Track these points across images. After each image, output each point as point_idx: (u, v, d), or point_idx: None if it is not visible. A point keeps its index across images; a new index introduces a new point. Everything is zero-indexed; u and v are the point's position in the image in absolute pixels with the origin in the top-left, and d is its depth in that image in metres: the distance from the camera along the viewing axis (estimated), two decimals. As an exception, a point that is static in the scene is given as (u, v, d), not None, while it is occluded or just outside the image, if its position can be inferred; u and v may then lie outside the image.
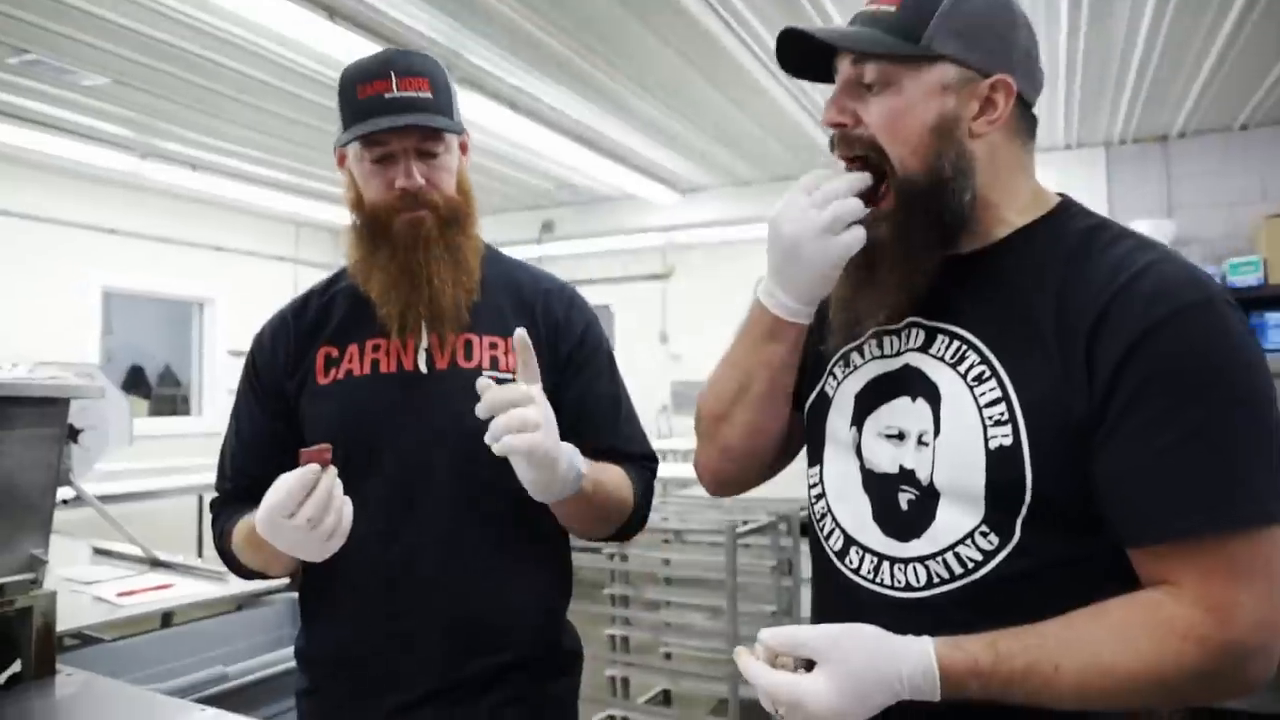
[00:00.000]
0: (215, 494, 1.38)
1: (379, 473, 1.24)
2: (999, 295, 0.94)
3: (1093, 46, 3.86)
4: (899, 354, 0.99)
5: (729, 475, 1.19)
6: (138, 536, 2.40)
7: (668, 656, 3.76)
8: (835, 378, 1.06)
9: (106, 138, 5.17)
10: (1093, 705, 0.81)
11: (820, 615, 1.05)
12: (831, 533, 1.02)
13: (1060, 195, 1.02)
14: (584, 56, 4.02)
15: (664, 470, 5.50)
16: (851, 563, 0.98)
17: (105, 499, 2.90)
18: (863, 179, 0.95)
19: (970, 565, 0.89)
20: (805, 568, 3.52)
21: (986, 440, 0.88)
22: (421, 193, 1.25)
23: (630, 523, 1.32)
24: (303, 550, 1.08)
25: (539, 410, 1.05)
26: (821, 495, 1.04)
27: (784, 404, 1.09)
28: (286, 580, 2.04)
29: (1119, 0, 3.41)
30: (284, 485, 1.04)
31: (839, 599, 0.99)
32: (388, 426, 1.26)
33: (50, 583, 1.46)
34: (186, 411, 7.24)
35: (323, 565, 1.25)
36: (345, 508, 1.07)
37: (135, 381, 7.18)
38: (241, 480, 1.33)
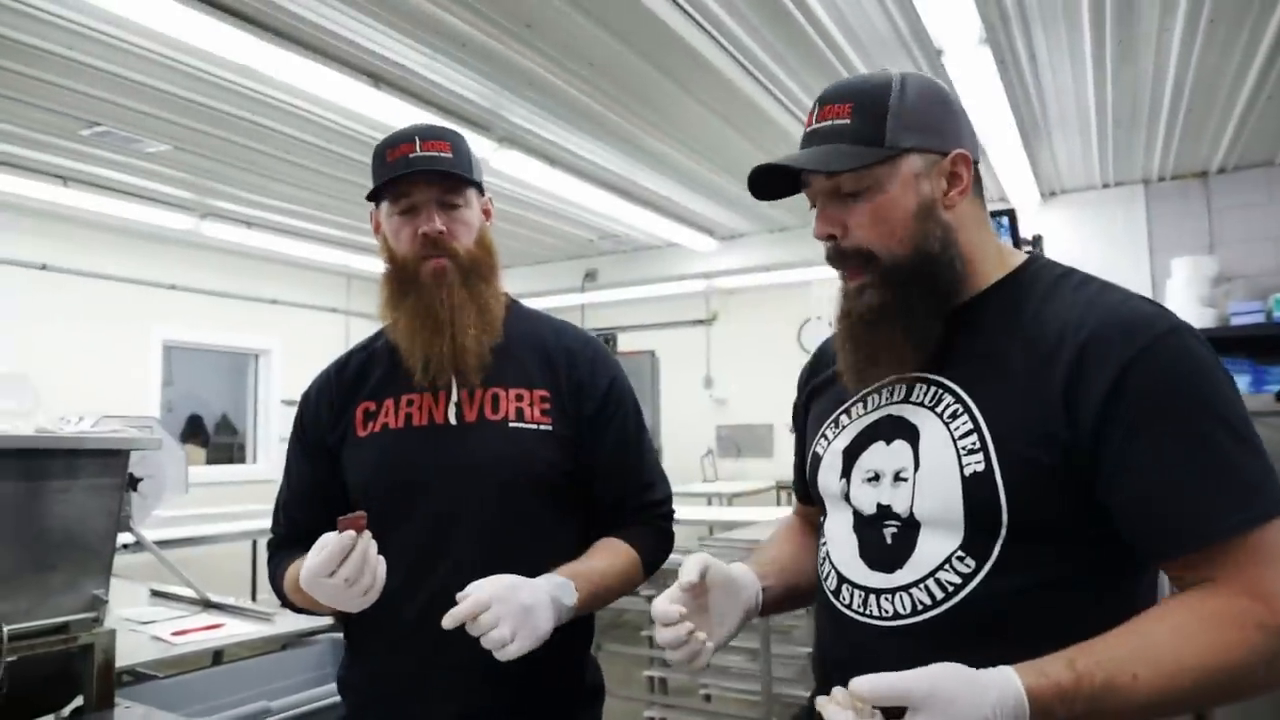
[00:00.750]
0: (270, 537, 1.49)
1: (412, 519, 1.32)
2: (974, 343, 1.03)
3: (1121, 87, 3.89)
4: (880, 408, 1.09)
5: None
6: (194, 579, 2.51)
7: (708, 699, 3.76)
8: (827, 439, 1.15)
9: (168, 199, 5.45)
10: (1171, 709, 0.84)
11: (820, 649, 1.14)
12: (829, 574, 1.09)
13: (1028, 253, 1.12)
14: (621, 115, 4.18)
15: (707, 514, 5.53)
16: (844, 599, 1.05)
17: (164, 544, 3.04)
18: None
19: (950, 589, 0.95)
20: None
21: (962, 468, 0.96)
22: (442, 239, 1.34)
23: (647, 576, 1.44)
24: (340, 604, 1.18)
25: (509, 623, 1.14)
26: (825, 542, 1.13)
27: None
28: (330, 620, 2.15)
29: (1143, 42, 3.44)
30: (324, 549, 1.15)
31: (836, 632, 1.06)
32: (419, 476, 1.35)
33: (110, 622, 1.55)
34: (243, 459, 7.45)
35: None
36: (379, 568, 1.18)
37: (194, 430, 7.43)
38: (293, 527, 1.45)
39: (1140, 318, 0.93)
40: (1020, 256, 1.10)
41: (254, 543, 5.59)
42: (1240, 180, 5.14)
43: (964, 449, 0.96)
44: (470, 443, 1.35)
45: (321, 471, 1.43)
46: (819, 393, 1.23)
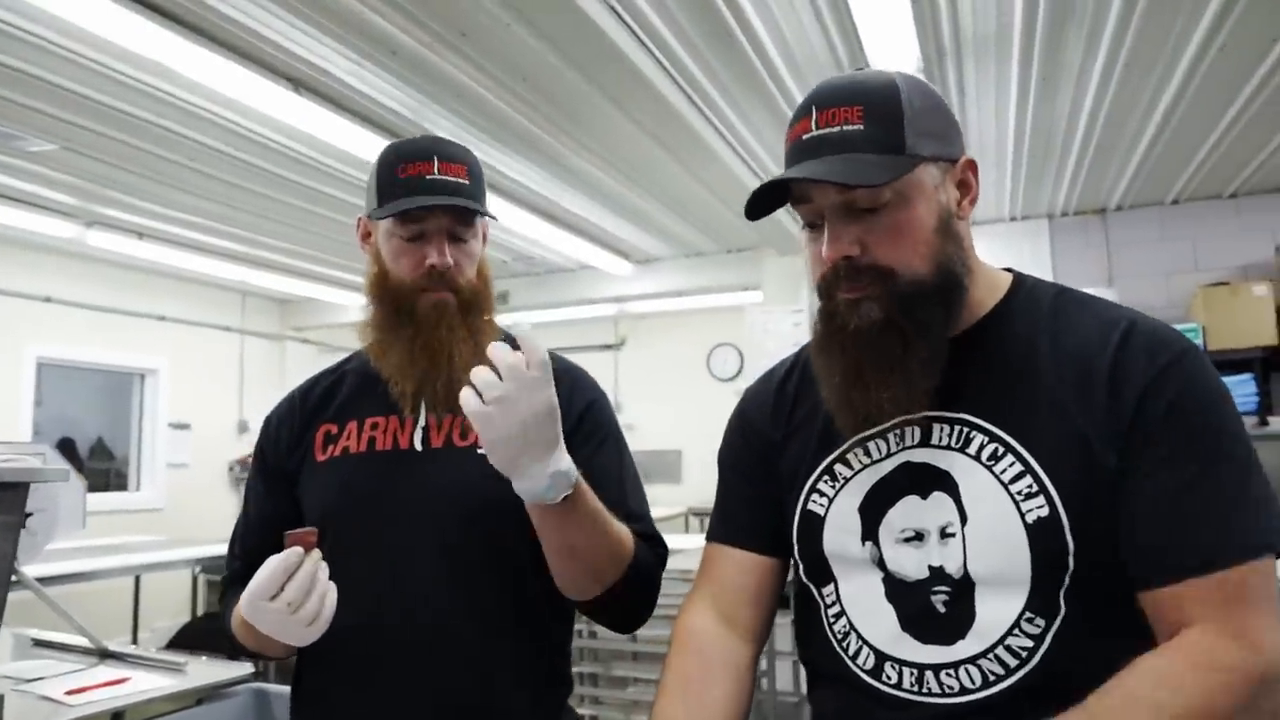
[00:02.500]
0: (225, 573, 1.37)
1: (369, 551, 1.21)
2: (990, 373, 0.95)
3: (1039, 123, 4.03)
4: (891, 455, 0.98)
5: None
6: (69, 621, 2.24)
7: (638, 737, 3.63)
8: (822, 494, 1.03)
9: (50, 205, 5.02)
10: None
11: None
12: (859, 652, 0.98)
13: (1008, 270, 1.05)
14: (550, 132, 4.05)
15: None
16: (889, 678, 0.94)
17: (40, 582, 2.71)
18: None
19: (1023, 654, 0.87)
20: (779, 639, 3.46)
21: (1023, 515, 0.88)
22: (449, 273, 1.25)
23: (630, 583, 1.21)
24: (284, 634, 1.05)
25: (504, 416, 0.97)
26: (841, 614, 1.01)
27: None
28: (250, 669, 1.94)
29: (1065, 78, 3.56)
30: (267, 568, 1.03)
31: (876, 714, 0.95)
32: (378, 504, 1.24)
33: (-2, 684, 1.34)
34: (121, 486, 6.92)
35: (313, 645, 1.20)
36: (329, 594, 1.05)
37: (66, 455, 6.87)
38: (249, 560, 1.30)
39: (1160, 334, 0.90)
40: (1004, 276, 1.03)
41: (136, 579, 5.18)
42: (1135, 217, 5.41)
43: (1020, 494, 0.88)
44: (435, 470, 1.25)
45: (280, 501, 1.32)
46: (797, 432, 1.09)
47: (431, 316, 1.24)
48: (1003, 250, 5.63)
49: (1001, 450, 0.90)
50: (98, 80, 3.44)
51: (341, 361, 1.42)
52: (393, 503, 1.23)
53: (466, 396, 0.99)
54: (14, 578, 2.11)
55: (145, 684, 1.89)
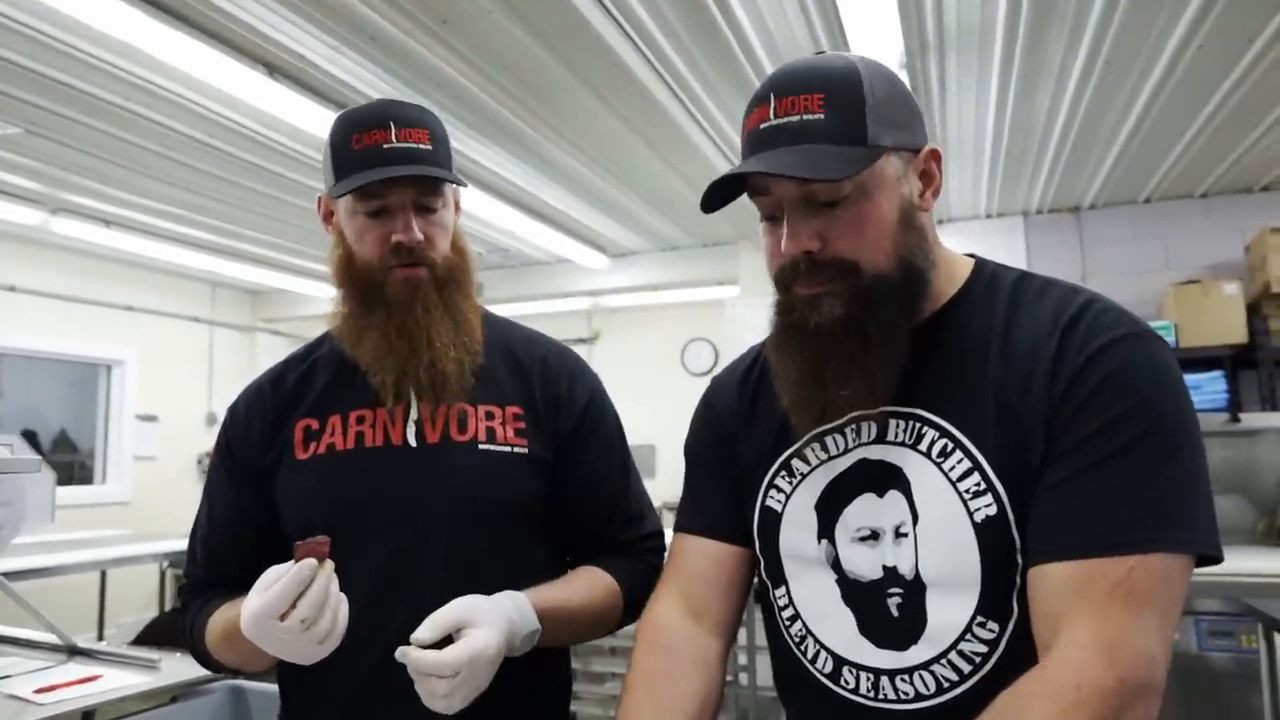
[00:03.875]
0: (184, 579, 1.27)
1: (366, 555, 1.14)
2: (946, 367, 0.92)
3: (1018, 120, 4.04)
4: (848, 451, 0.96)
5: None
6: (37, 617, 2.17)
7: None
8: (780, 489, 1.01)
9: (13, 190, 4.89)
10: None
11: None
12: (817, 655, 0.96)
13: (970, 255, 1.02)
14: (530, 123, 4.00)
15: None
16: (847, 683, 0.93)
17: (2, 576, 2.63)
18: None
19: (977, 660, 0.86)
20: (760, 634, 3.46)
21: (971, 515, 0.85)
22: (419, 249, 1.16)
23: (628, 621, 1.25)
24: (292, 653, 0.98)
25: (461, 696, 0.98)
26: (795, 617, 0.99)
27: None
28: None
29: (1045, 77, 3.57)
30: (276, 584, 0.95)
31: (834, 717, 0.94)
32: (374, 505, 1.16)
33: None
34: (85, 480, 6.78)
35: None
36: (341, 608, 0.98)
37: (27, 448, 6.70)
38: (213, 565, 1.24)
39: (1105, 320, 0.86)
40: (964, 263, 1.00)
41: (103, 574, 5.07)
42: (1108, 216, 5.45)
43: (968, 493, 0.86)
44: (433, 468, 1.17)
45: (250, 499, 1.22)
46: (757, 425, 1.07)
47: (404, 296, 1.16)
48: (978, 247, 5.51)
49: (951, 446, 0.88)
50: (64, 61, 3.34)
51: (310, 346, 1.32)
52: (390, 503, 1.16)
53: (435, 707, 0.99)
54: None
55: (118, 681, 1.84)
